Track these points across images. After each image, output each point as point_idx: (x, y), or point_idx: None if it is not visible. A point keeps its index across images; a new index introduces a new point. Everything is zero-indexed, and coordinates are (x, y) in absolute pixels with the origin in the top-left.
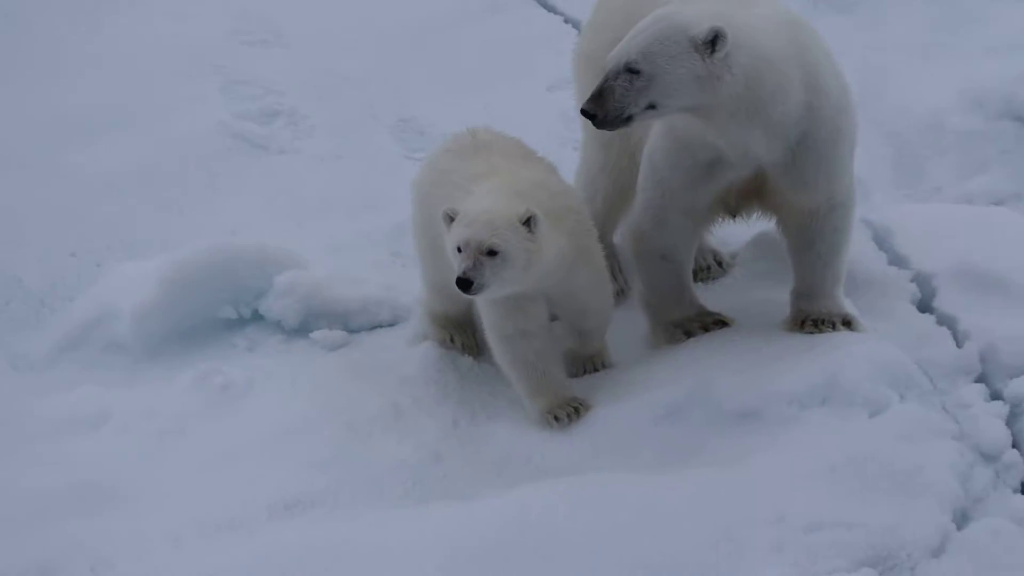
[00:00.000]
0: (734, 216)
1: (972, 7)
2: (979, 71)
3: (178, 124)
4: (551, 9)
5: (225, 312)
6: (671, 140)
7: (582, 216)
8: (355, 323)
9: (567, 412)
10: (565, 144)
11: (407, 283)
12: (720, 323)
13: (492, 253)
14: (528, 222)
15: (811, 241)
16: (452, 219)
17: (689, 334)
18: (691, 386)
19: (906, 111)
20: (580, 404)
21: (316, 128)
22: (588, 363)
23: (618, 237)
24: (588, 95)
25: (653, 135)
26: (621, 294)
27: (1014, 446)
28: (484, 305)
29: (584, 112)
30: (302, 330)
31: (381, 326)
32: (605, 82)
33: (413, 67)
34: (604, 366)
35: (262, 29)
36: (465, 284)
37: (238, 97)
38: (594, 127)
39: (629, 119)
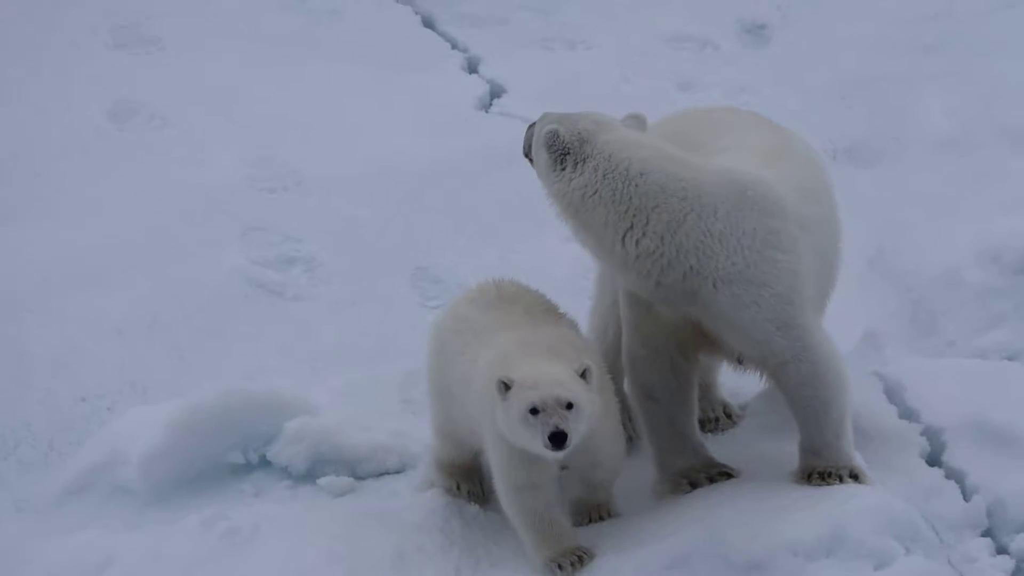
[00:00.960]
0: (701, 361)
1: (989, 164)
2: (995, 226)
3: (193, 269)
4: None
5: (233, 457)
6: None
7: (602, 371)
8: (363, 470)
9: (571, 561)
10: (581, 293)
11: (417, 430)
12: (725, 474)
13: (569, 407)
14: (584, 374)
15: (788, 395)
16: (508, 387)
17: (694, 485)
18: (698, 537)
19: (922, 265)
20: (584, 553)
21: (333, 275)
22: (594, 512)
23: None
24: None
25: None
26: (630, 442)
27: None
28: (497, 456)
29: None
30: (309, 476)
31: (389, 473)
32: None
33: (431, 214)
34: (610, 515)
35: (280, 175)
36: (559, 439)
37: (255, 243)
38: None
39: None
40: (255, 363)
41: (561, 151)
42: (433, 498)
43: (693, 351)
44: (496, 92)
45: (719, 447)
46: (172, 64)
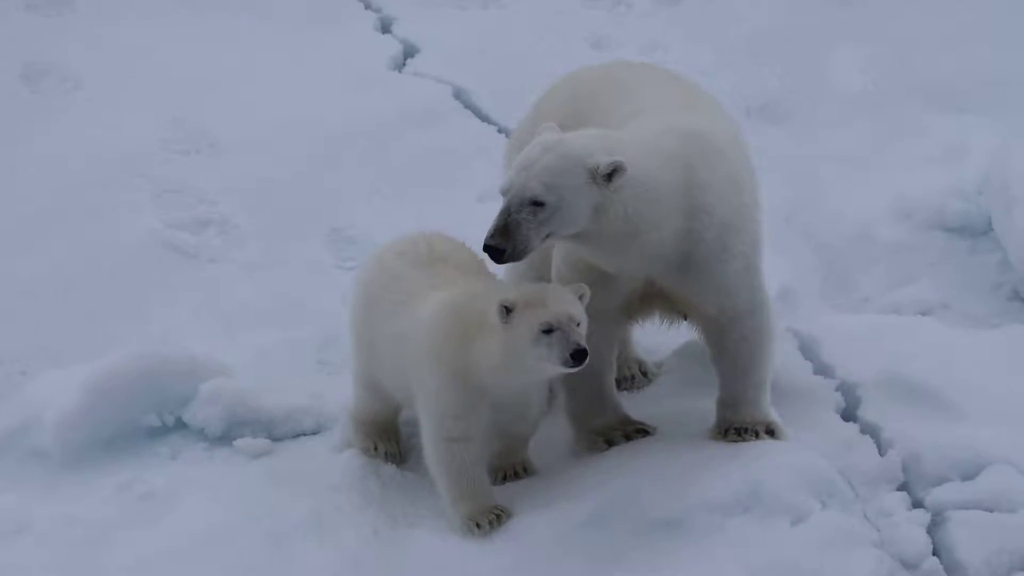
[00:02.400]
0: (639, 321)
1: (902, 120)
2: (909, 183)
3: (107, 232)
4: (484, 118)
5: (149, 420)
6: (568, 251)
7: None
8: (279, 431)
9: (489, 520)
10: None
11: (333, 392)
12: (642, 432)
13: (578, 324)
14: (581, 296)
15: (724, 349)
16: (509, 309)
17: (611, 443)
18: (614, 495)
19: (836, 222)
20: (502, 512)
21: (247, 237)
22: (511, 470)
23: None
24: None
25: (558, 244)
26: (547, 402)
27: (934, 554)
28: (432, 407)
29: (489, 248)
30: (226, 438)
31: (305, 434)
32: (509, 215)
33: (345, 175)
34: (527, 472)
35: (193, 137)
36: (582, 356)
37: (169, 206)
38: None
39: (529, 250)
40: (170, 326)
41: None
42: (350, 459)
43: (636, 315)
44: (409, 52)
45: (635, 405)
46: (84, 25)
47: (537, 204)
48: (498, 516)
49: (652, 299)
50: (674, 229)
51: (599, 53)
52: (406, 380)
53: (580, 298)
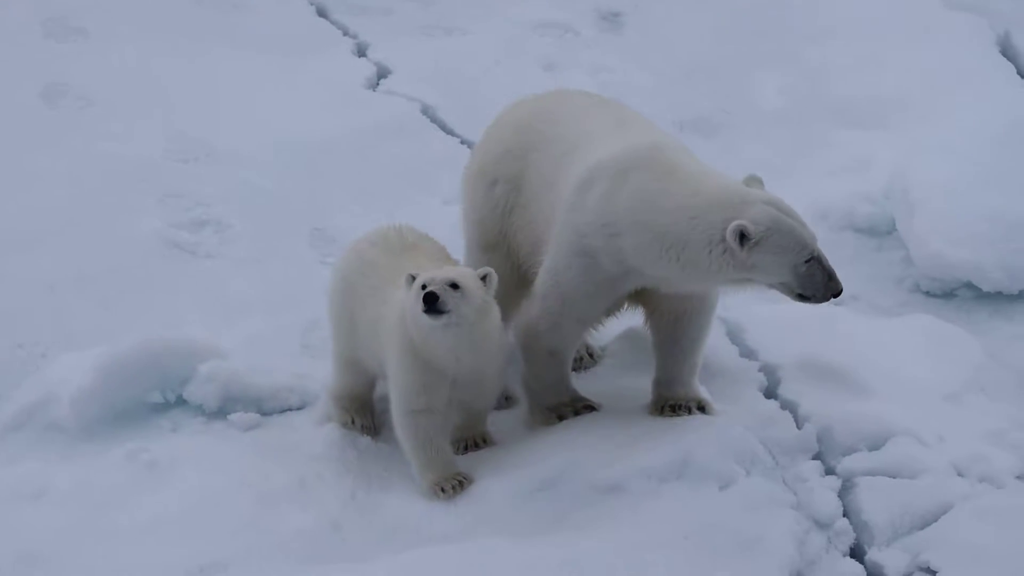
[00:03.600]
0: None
1: (815, 135)
2: (823, 190)
3: (117, 231)
4: (449, 132)
5: (153, 397)
6: (585, 259)
7: (497, 312)
8: (268, 407)
9: (452, 485)
10: (455, 252)
11: (315, 372)
12: (588, 407)
13: (455, 286)
14: (485, 279)
15: (678, 337)
16: (414, 278)
17: (562, 417)
18: (563, 463)
19: None
20: (464, 478)
21: (240, 236)
22: (471, 440)
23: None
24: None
25: (558, 253)
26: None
27: (845, 515)
28: (398, 380)
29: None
30: (221, 413)
31: (291, 409)
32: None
33: (326, 182)
34: (486, 443)
35: (193, 148)
36: (430, 299)
37: (171, 208)
38: (478, 240)
39: None
40: (172, 314)
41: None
42: (330, 432)
43: (614, 310)
44: (383, 73)
45: (583, 383)
46: (97, 51)
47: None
48: (460, 482)
49: (636, 298)
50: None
51: (550, 74)
52: (381, 358)
53: (485, 279)
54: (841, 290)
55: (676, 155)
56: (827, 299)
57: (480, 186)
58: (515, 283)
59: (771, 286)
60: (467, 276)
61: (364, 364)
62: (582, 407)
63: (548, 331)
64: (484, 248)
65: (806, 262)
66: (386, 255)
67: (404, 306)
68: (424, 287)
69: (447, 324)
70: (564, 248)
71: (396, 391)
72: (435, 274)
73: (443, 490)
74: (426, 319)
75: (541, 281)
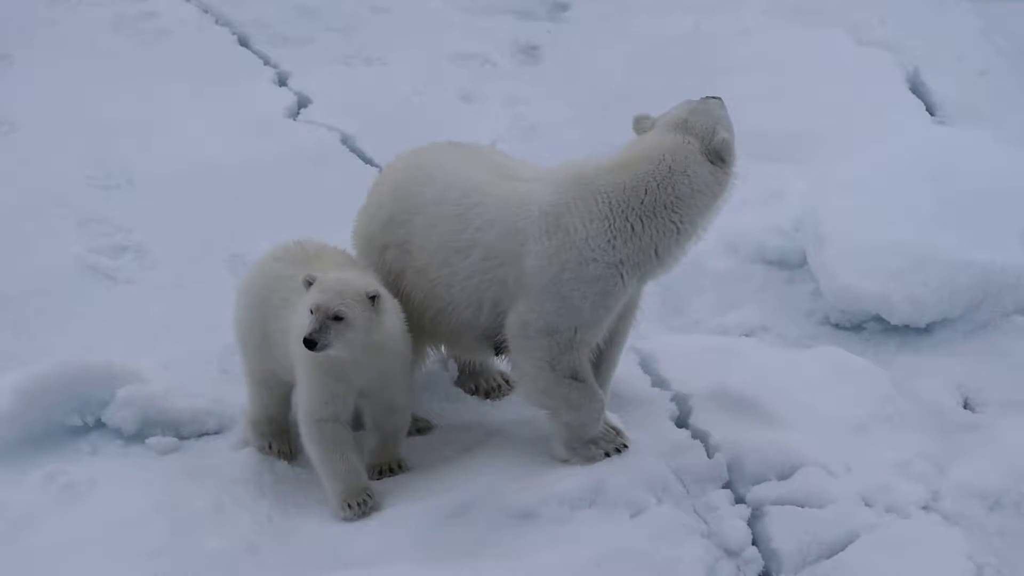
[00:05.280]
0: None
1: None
2: (734, 221)
3: (37, 256)
4: (368, 161)
5: (72, 420)
6: (601, 284)
7: (404, 326)
8: (186, 431)
9: (359, 501)
10: None
11: (233, 397)
12: (623, 444)
13: (338, 319)
14: (373, 299)
15: (600, 360)
16: (311, 284)
17: (607, 454)
18: (478, 489)
19: None
20: (371, 495)
21: (159, 261)
22: (386, 466)
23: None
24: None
25: (561, 292)
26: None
27: (754, 544)
28: (304, 390)
29: None
30: (139, 436)
31: (208, 434)
32: None
33: (246, 208)
34: (402, 469)
35: (114, 174)
36: (310, 344)
37: (91, 233)
38: None
39: None
40: (92, 338)
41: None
42: (247, 456)
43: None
44: (303, 103)
45: (497, 410)
46: (20, 77)
47: None
48: (368, 499)
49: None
50: None
51: (468, 106)
52: (292, 368)
53: (372, 299)
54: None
55: (588, 161)
56: None
57: (371, 253)
58: (415, 334)
59: None
60: (353, 306)
61: (279, 377)
62: (622, 444)
63: (562, 359)
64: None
65: None
66: (291, 267)
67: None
68: (312, 310)
69: (333, 353)
70: (576, 282)
71: (303, 400)
72: (320, 300)
73: (350, 506)
74: (307, 352)
75: (540, 323)
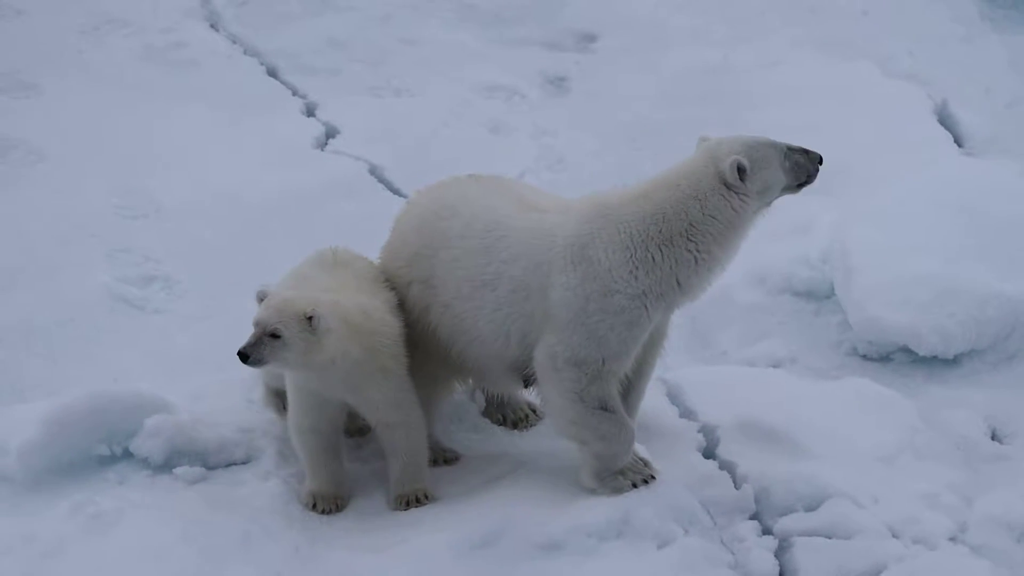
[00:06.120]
0: None
1: None
2: (762, 253)
3: (65, 286)
4: (396, 192)
5: (100, 450)
6: (627, 314)
7: (393, 344)
8: (213, 461)
9: (326, 507)
10: None
11: (260, 426)
12: (651, 475)
13: (275, 336)
14: (311, 320)
15: (628, 390)
16: (262, 300)
17: (635, 485)
18: (504, 519)
19: None
20: (342, 500)
21: (187, 291)
22: (412, 497)
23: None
24: None
25: (588, 324)
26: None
27: (781, 575)
28: (291, 399)
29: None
30: (167, 466)
31: (236, 463)
32: None
33: (274, 239)
34: (427, 499)
35: (142, 204)
36: (243, 357)
37: (120, 263)
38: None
39: None
40: (120, 368)
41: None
42: (275, 486)
43: None
44: (331, 133)
45: (524, 441)
46: (48, 107)
47: None
48: (337, 504)
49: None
50: None
51: (496, 137)
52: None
53: (309, 319)
54: (819, 154)
55: (612, 191)
56: (817, 170)
57: (397, 288)
58: (443, 368)
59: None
60: (290, 325)
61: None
62: (649, 473)
63: (591, 390)
64: (410, 345)
65: (786, 156)
66: (317, 270)
67: None
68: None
69: (271, 368)
70: (601, 314)
71: (289, 407)
72: (259, 316)
73: (315, 505)
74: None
75: (568, 354)
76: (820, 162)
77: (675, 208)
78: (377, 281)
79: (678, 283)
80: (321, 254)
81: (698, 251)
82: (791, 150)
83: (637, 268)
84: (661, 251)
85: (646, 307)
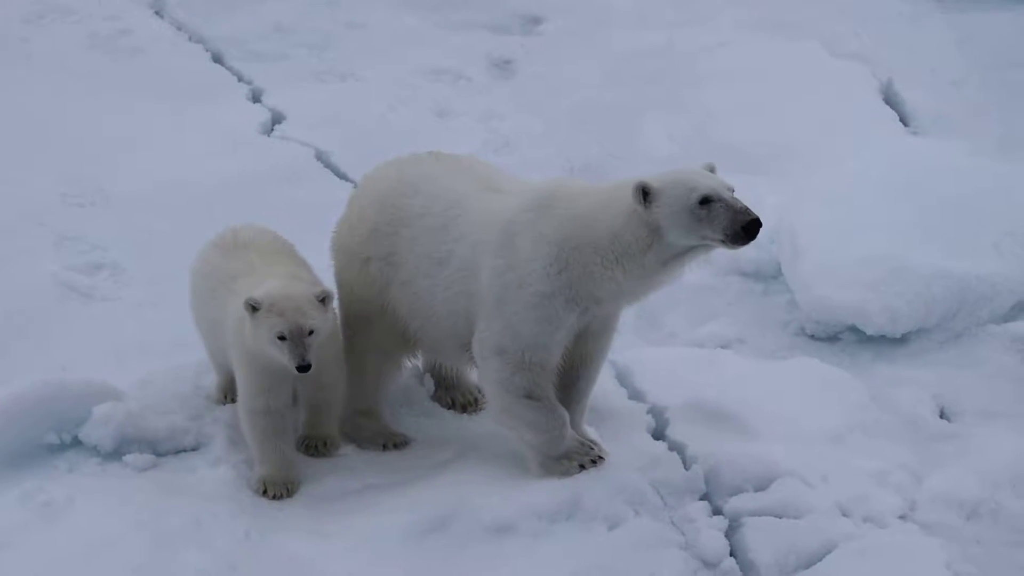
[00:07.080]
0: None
1: None
2: None
3: (13, 274)
4: (343, 177)
5: (49, 438)
6: (540, 310)
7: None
8: (163, 448)
9: (278, 491)
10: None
11: (210, 413)
12: (600, 456)
13: (310, 333)
14: (324, 300)
15: (574, 380)
16: (255, 308)
17: (582, 466)
18: (454, 502)
19: None
20: (293, 484)
21: (135, 279)
22: (320, 444)
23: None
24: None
25: (506, 312)
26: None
27: (732, 555)
28: (240, 381)
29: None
30: (116, 454)
31: (185, 450)
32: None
33: (220, 225)
34: (330, 448)
35: (89, 192)
36: (306, 368)
37: (67, 252)
38: (357, 315)
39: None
40: (68, 356)
41: None
42: (225, 472)
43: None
44: (277, 119)
45: (478, 424)
46: None
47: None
48: (288, 489)
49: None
50: None
51: (443, 121)
52: (228, 356)
53: (323, 300)
54: (755, 218)
55: (574, 183)
56: (745, 235)
57: (353, 264)
58: (398, 345)
59: (698, 248)
60: (317, 317)
61: (223, 361)
62: (596, 455)
63: (514, 380)
64: (365, 322)
65: (700, 203)
66: (220, 255)
67: (252, 332)
68: (282, 336)
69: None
70: (515, 305)
71: (240, 390)
72: (291, 323)
73: (267, 491)
74: (297, 373)
75: (492, 342)
76: (750, 226)
77: (597, 218)
78: (284, 253)
79: (591, 292)
80: (223, 237)
81: (602, 267)
82: (713, 200)
83: (551, 267)
84: (573, 256)
85: (556, 308)
